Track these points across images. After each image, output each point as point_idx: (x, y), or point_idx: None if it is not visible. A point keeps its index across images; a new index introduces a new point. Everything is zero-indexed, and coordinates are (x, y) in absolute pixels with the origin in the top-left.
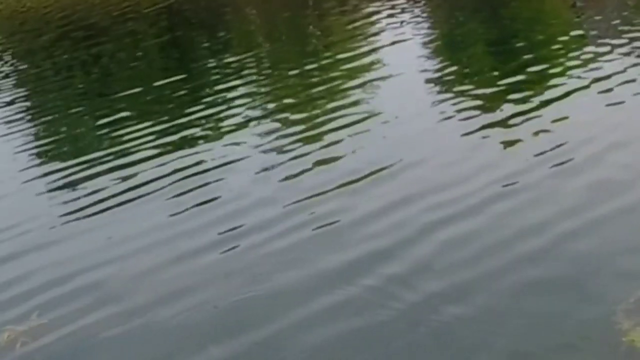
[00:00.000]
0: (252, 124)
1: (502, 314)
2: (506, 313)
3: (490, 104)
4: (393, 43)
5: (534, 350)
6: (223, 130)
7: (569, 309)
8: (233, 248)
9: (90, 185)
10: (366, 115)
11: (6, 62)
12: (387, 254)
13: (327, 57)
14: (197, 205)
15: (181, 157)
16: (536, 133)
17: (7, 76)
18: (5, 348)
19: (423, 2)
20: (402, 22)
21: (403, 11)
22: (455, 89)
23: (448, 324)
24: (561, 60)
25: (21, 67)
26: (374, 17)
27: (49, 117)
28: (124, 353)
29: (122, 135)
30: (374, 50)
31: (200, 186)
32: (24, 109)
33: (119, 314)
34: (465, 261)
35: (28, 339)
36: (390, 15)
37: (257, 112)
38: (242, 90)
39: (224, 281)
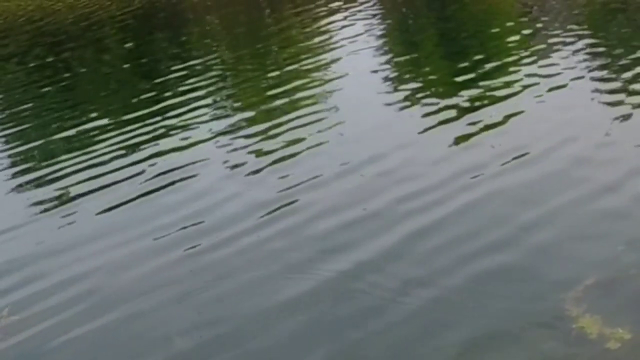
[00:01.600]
0: (215, 127)
1: (456, 304)
2: (459, 302)
3: (444, 100)
4: (347, 44)
5: (486, 337)
6: (187, 133)
7: (521, 297)
8: (199, 245)
9: (60, 187)
10: (324, 116)
11: None
12: (350, 247)
13: (284, 61)
14: (164, 203)
15: (147, 158)
16: (488, 128)
17: None
18: None
19: (374, 1)
20: (355, 22)
21: (352, 8)
22: (410, 88)
23: (404, 311)
24: (510, 57)
25: None
26: (328, 19)
27: (17, 125)
28: (93, 349)
29: (89, 139)
30: (328, 51)
31: (166, 186)
32: None
33: (88, 311)
34: (425, 253)
35: None
36: (344, 17)
37: (221, 118)
38: (205, 97)
39: (190, 277)
